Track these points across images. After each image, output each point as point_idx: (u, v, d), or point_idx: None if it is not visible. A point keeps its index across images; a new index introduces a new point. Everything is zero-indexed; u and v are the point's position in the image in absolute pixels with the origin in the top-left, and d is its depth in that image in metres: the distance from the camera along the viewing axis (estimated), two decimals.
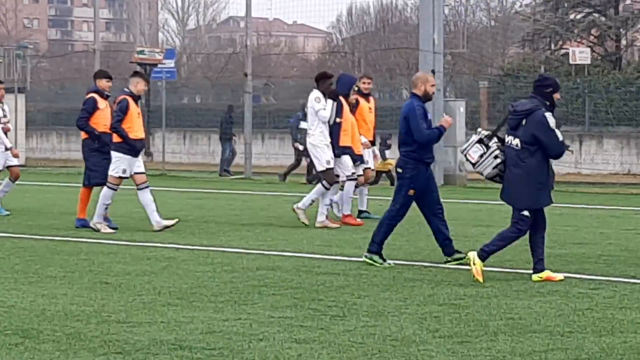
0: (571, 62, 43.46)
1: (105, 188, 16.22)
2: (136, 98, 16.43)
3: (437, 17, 29.17)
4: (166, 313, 9.68)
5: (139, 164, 16.32)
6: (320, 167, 17.03)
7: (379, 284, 11.41)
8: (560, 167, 31.97)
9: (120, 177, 16.17)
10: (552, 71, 41.63)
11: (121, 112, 16.10)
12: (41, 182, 29.06)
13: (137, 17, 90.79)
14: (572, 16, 49.35)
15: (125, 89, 16.54)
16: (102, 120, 16.67)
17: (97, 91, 16.99)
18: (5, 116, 19.43)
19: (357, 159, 17.51)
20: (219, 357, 7.99)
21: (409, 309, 9.96)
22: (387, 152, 30.47)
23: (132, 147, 16.16)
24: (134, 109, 16.25)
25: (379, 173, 28.43)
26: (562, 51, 48.38)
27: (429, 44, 28.97)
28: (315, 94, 17.07)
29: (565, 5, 48.86)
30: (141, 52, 41.72)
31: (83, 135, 17.02)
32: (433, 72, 28.62)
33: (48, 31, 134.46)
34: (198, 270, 12.28)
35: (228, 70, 61.40)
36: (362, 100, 18.01)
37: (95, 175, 16.75)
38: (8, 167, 19.08)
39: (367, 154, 18.12)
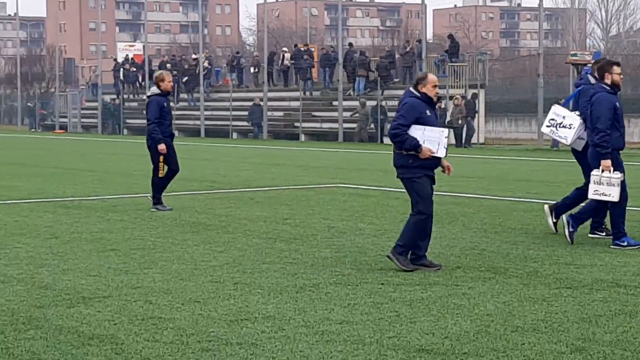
0: None
1: None
2: None
3: None
4: (603, 258, 9.47)
5: None
6: None
7: None
8: None
9: None
10: None
11: None
12: (497, 157, 29.20)
13: (570, 27, 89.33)
14: None
15: None
16: None
17: None
18: None
19: None
20: None
21: None
22: None
23: None
24: None
25: None
26: None
27: None
28: None
29: None
30: (574, 54, 40.91)
31: None
32: None
33: (500, 41, 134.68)
34: None
35: None
36: None
37: None
38: None
39: None
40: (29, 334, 6.48)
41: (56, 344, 6.23)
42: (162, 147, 13.57)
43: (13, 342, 6.28)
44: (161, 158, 13.70)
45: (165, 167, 13.79)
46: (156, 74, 14.31)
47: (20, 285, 8.15)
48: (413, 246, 8.86)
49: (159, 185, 13.87)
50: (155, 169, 13.79)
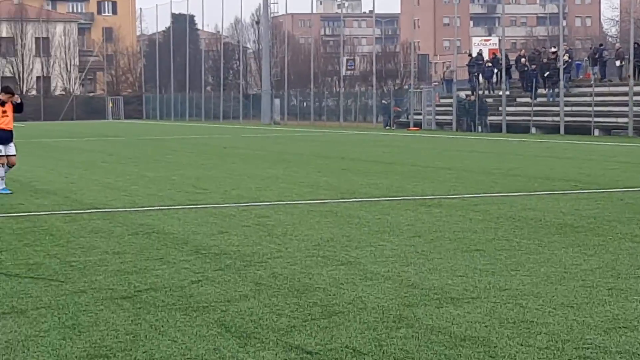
0: None
1: None
2: None
3: None
4: None
5: None
6: None
7: None
8: None
9: None
10: None
11: None
12: None
13: None
14: None
15: None
16: None
17: None
18: None
19: None
20: None
21: None
22: None
23: None
24: None
25: None
26: None
27: None
28: None
29: None
30: None
31: None
32: None
33: None
34: None
35: None
36: None
37: None
38: None
39: None
40: (401, 332, 6.64)
41: (428, 343, 6.34)
42: None
43: (385, 339, 6.45)
44: None
45: None
46: None
47: (388, 283, 8.38)
48: None
49: None
50: None
